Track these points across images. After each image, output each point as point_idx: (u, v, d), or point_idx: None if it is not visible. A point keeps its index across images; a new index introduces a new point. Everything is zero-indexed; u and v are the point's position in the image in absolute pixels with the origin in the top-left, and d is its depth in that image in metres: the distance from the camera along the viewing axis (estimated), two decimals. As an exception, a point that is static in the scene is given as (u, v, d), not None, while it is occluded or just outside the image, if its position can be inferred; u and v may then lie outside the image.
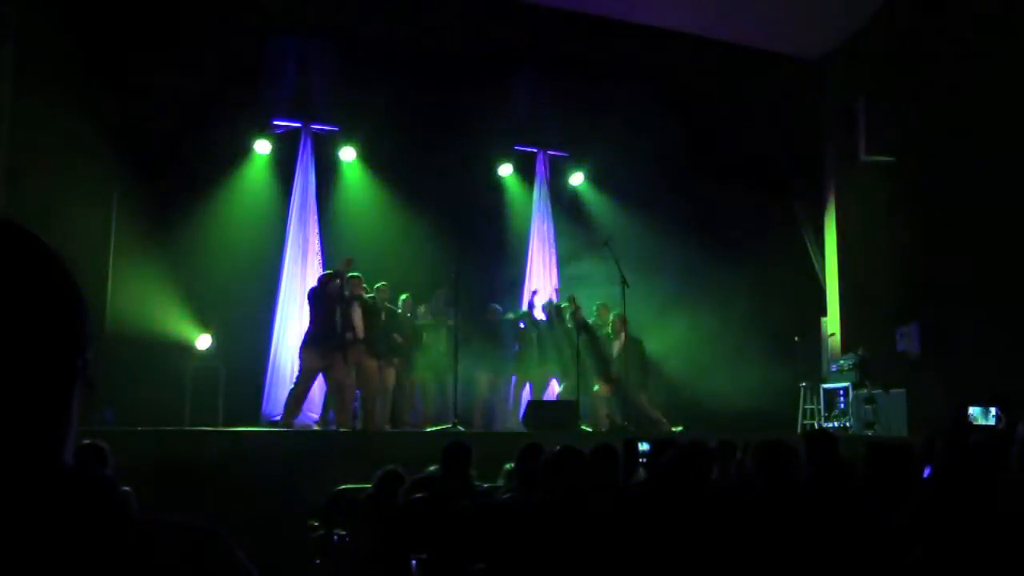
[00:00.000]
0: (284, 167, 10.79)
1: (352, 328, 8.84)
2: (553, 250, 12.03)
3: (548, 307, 10.74)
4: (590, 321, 10.21)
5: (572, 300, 10.19)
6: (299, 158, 10.87)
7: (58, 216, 7.77)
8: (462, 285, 9.34)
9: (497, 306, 10.52)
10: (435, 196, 10.67)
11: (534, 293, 10.94)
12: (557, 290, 11.40)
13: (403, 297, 9.83)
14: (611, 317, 10.19)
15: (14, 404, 0.75)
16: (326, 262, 10.75)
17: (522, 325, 10.43)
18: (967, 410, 4.24)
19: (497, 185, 11.79)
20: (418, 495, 4.56)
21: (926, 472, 3.60)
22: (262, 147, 10.54)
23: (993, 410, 4.27)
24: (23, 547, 0.70)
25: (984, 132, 9.59)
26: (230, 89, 9.81)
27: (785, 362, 10.88)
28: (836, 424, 10.09)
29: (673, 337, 10.62)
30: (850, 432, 9.70)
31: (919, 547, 2.14)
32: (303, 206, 10.86)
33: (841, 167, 11.81)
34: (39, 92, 8.29)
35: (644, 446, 5.20)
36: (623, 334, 10.03)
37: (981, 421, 4.30)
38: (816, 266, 12.09)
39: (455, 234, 10.44)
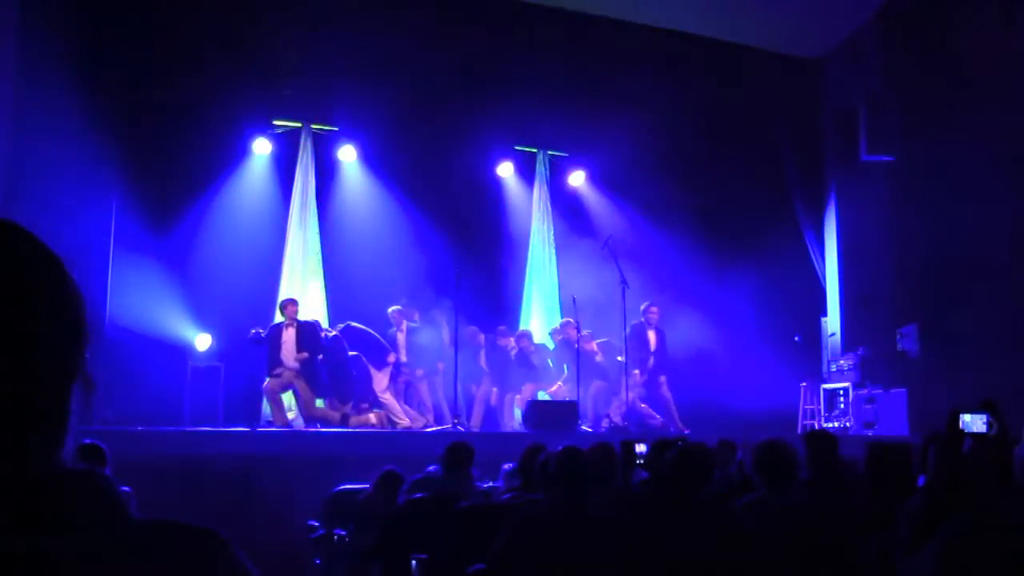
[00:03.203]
0: (284, 167, 10.78)
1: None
2: (553, 250, 12.03)
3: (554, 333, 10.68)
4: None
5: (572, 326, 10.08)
6: (299, 158, 10.86)
7: (58, 216, 7.77)
8: (461, 287, 9.34)
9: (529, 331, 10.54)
10: (435, 196, 10.67)
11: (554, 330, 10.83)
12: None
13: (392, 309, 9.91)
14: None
15: (13, 404, 0.75)
16: (326, 262, 10.76)
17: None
18: (960, 417, 4.24)
19: (497, 185, 11.78)
20: (418, 495, 4.56)
21: (920, 480, 3.60)
22: (262, 147, 10.53)
23: (984, 416, 4.27)
24: (22, 548, 0.70)
25: (984, 132, 9.59)
26: (230, 89, 9.81)
27: (785, 362, 10.87)
28: (836, 424, 10.08)
29: (672, 337, 10.60)
30: (850, 432, 9.70)
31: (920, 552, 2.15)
32: (303, 206, 10.85)
33: (841, 167, 11.80)
34: (40, 92, 8.29)
35: (641, 447, 5.20)
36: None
37: (973, 428, 4.31)
38: (816, 266, 12.09)
39: (455, 234, 10.44)
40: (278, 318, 9.36)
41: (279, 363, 8.95)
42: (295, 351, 8.94)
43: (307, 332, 9.03)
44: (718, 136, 11.44)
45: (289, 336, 9.01)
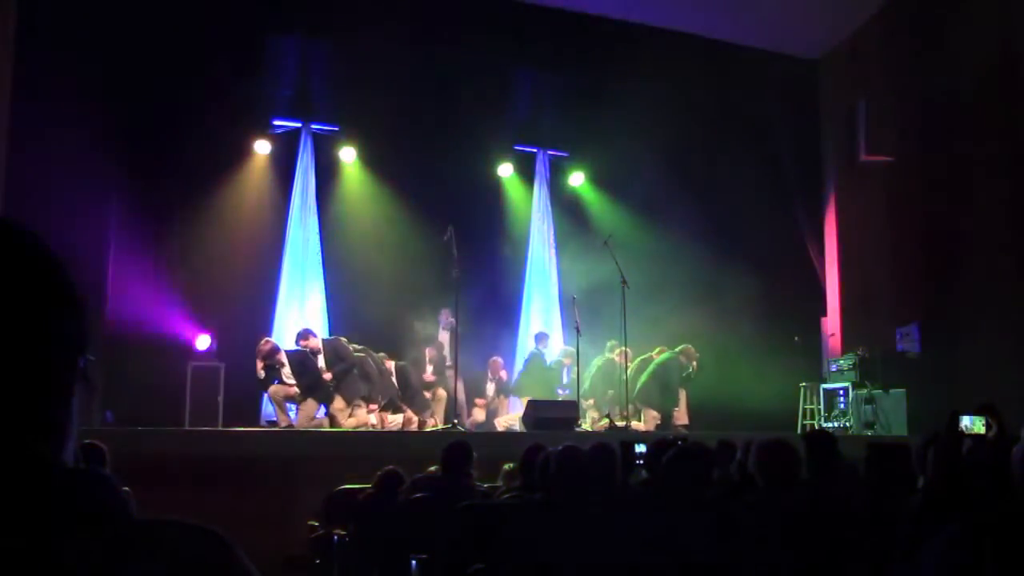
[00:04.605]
0: (284, 167, 10.79)
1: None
2: (553, 250, 12.03)
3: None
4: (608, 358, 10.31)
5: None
6: (299, 158, 10.87)
7: (58, 216, 7.77)
8: (462, 286, 9.34)
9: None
10: (435, 196, 10.66)
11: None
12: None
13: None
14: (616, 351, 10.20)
15: (14, 404, 0.75)
16: (326, 262, 10.77)
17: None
18: (959, 419, 4.26)
19: (497, 185, 11.78)
20: (418, 495, 4.56)
21: (920, 481, 3.60)
22: (262, 147, 10.53)
23: (983, 419, 4.29)
24: (22, 548, 0.70)
25: (983, 132, 9.59)
26: (230, 89, 9.81)
27: (785, 362, 10.87)
28: (836, 424, 10.08)
29: (672, 338, 10.60)
30: (850, 432, 9.70)
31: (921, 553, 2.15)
32: (303, 206, 10.86)
33: (841, 167, 11.80)
34: (39, 92, 8.29)
35: (641, 447, 5.20)
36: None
37: (972, 430, 4.32)
38: (816, 266, 12.09)
39: (455, 234, 10.42)
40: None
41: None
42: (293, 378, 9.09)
43: (295, 363, 9.01)
44: (718, 136, 11.44)
45: (286, 372, 9.11)
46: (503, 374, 10.37)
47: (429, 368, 9.96)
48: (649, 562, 3.07)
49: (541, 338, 10.64)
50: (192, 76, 9.49)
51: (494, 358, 10.40)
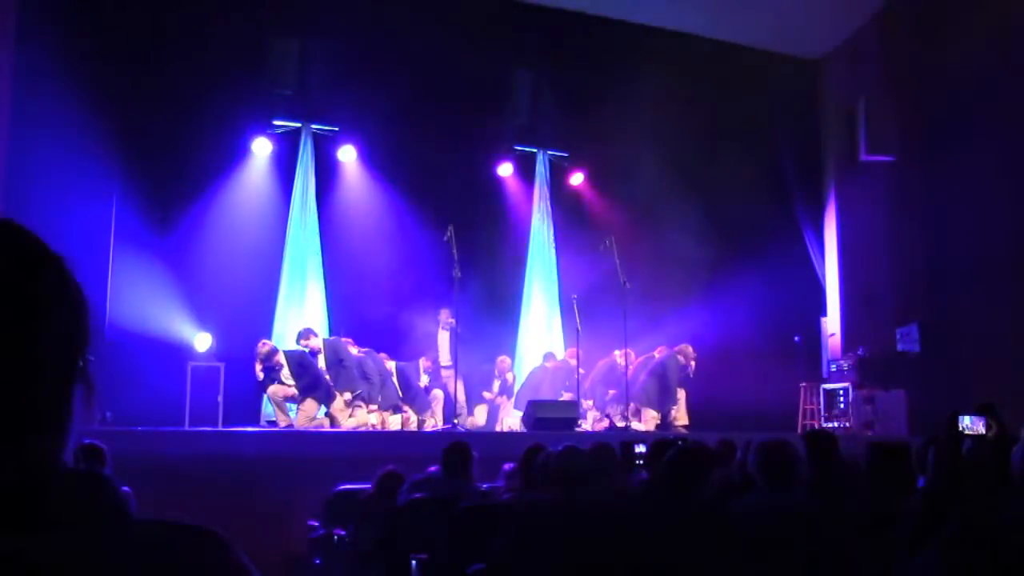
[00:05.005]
0: (284, 167, 10.78)
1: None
2: (553, 250, 12.03)
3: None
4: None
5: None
6: (299, 158, 10.86)
7: (58, 216, 7.77)
8: (462, 286, 9.34)
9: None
10: (435, 196, 10.67)
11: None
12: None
13: None
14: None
15: (14, 404, 0.75)
16: (326, 262, 10.77)
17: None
18: (959, 419, 4.26)
19: (497, 185, 11.78)
20: (418, 495, 4.57)
21: (920, 482, 3.60)
22: (262, 147, 10.52)
23: (982, 419, 4.30)
24: (22, 548, 0.70)
25: (983, 131, 9.59)
26: (230, 89, 9.80)
27: (785, 362, 10.86)
28: (836, 424, 10.08)
29: (672, 338, 10.61)
30: (850, 432, 9.70)
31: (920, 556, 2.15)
32: (303, 206, 10.86)
33: (841, 167, 11.80)
34: (39, 92, 8.30)
35: (641, 447, 5.20)
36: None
37: (972, 430, 4.33)
38: (816, 266, 12.08)
39: (455, 234, 10.44)
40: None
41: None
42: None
43: (293, 363, 9.00)
44: (718, 136, 11.43)
45: (284, 373, 9.12)
46: (509, 376, 10.37)
47: (425, 378, 9.96)
48: (649, 562, 3.06)
49: (548, 358, 10.68)
50: (192, 76, 9.48)
51: (502, 357, 10.41)
